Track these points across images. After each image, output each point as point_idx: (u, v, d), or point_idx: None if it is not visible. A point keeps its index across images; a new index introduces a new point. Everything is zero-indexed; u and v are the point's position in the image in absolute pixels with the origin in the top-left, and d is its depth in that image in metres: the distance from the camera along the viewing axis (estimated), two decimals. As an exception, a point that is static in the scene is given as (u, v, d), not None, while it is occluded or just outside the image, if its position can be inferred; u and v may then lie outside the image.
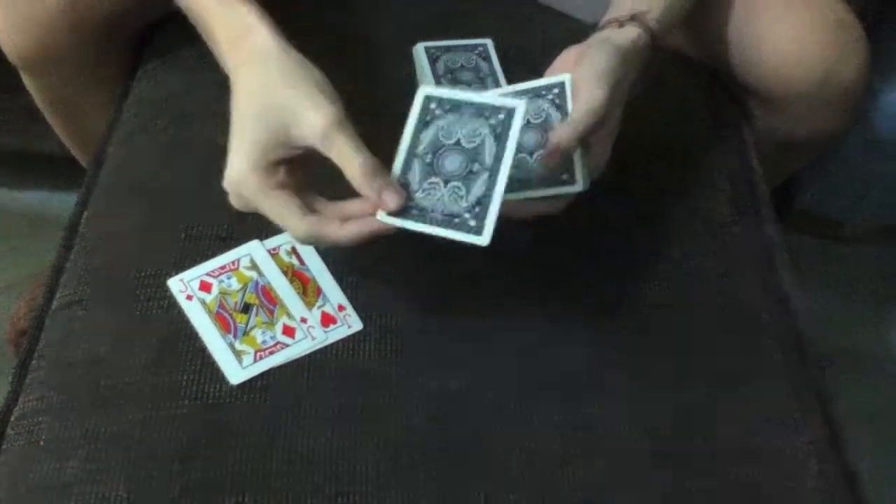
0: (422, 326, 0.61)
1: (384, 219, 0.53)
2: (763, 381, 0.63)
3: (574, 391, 0.60)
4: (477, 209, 0.52)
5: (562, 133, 0.56)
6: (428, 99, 0.56)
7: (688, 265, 0.68)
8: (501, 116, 0.54)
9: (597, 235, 0.68)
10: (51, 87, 0.82)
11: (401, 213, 0.53)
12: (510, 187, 0.53)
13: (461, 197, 0.53)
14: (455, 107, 0.56)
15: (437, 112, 0.56)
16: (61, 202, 1.26)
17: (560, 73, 0.61)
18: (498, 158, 0.53)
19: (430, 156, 0.55)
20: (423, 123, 0.56)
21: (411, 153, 0.55)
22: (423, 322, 0.61)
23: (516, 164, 0.54)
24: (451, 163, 0.54)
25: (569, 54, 0.63)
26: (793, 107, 0.77)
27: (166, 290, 0.62)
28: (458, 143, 0.55)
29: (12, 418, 0.59)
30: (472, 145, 0.54)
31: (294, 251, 0.64)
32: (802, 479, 0.59)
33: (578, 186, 0.58)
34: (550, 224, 0.67)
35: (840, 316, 1.28)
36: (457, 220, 0.52)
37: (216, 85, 0.75)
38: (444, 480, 0.55)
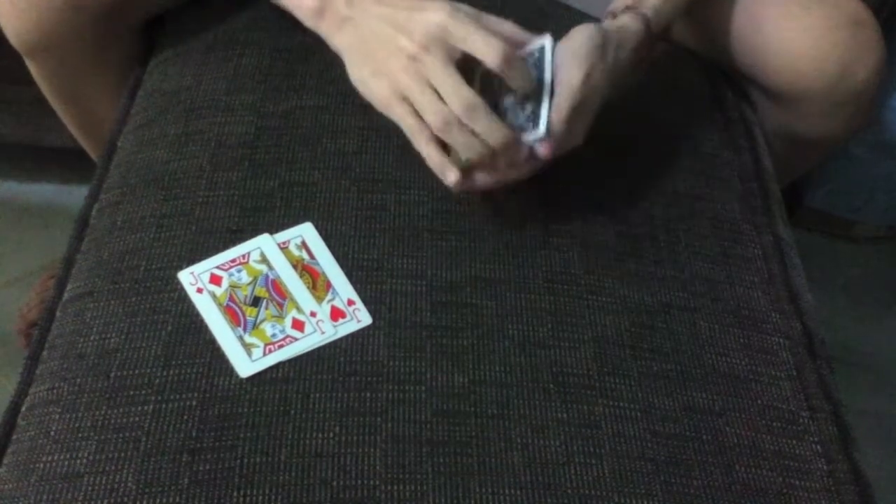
0: (430, 322, 0.61)
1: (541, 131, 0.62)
2: (772, 381, 0.63)
3: (579, 390, 0.60)
4: (531, 116, 0.62)
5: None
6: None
7: (697, 264, 0.68)
8: (537, 55, 0.63)
9: (603, 236, 0.68)
10: (55, 74, 0.82)
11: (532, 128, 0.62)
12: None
13: (520, 113, 0.62)
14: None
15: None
16: (72, 195, 1.27)
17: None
18: (541, 78, 0.62)
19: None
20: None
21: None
22: (431, 317, 0.62)
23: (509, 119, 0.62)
24: (509, 98, 0.63)
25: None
26: (805, 106, 0.77)
27: (176, 282, 0.62)
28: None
29: (23, 409, 0.60)
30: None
31: (304, 245, 0.64)
32: (811, 480, 0.59)
33: (540, 132, 0.61)
34: (558, 224, 0.67)
35: (848, 316, 1.28)
36: (522, 129, 0.62)
37: (226, 78, 0.75)
38: (450, 475, 0.55)
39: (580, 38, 0.63)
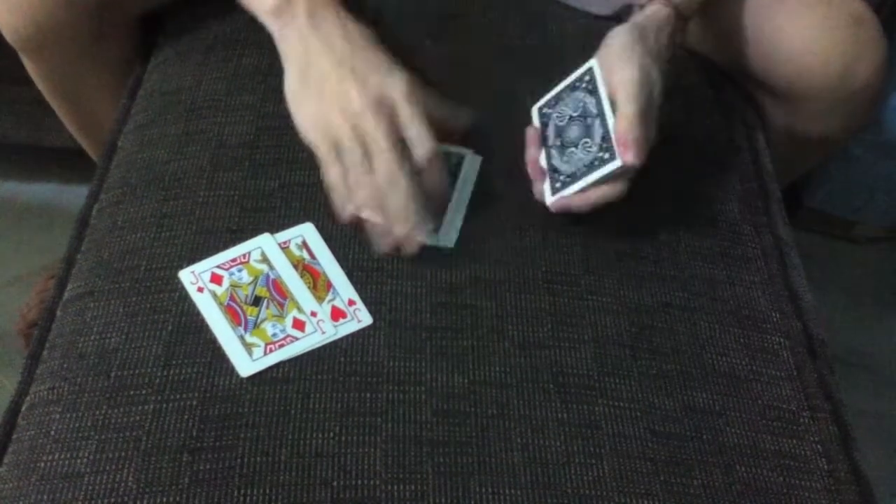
0: (430, 322, 0.61)
1: (553, 199, 0.65)
2: (772, 381, 0.63)
3: (579, 390, 0.60)
4: (604, 145, 0.62)
5: (620, 130, 0.61)
6: (539, 110, 0.70)
7: (697, 264, 0.68)
8: (587, 77, 0.66)
9: (604, 235, 0.68)
10: (51, 71, 0.82)
11: (559, 188, 0.64)
12: (566, 182, 0.64)
13: (590, 146, 0.63)
14: (556, 98, 0.68)
15: (547, 111, 0.69)
16: (72, 195, 1.27)
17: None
18: (599, 103, 0.64)
19: (558, 139, 0.66)
20: (544, 125, 0.68)
21: (546, 146, 0.67)
22: (431, 318, 0.62)
23: (566, 159, 0.65)
24: (573, 131, 0.65)
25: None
26: (808, 104, 0.77)
27: (177, 282, 0.62)
28: (570, 117, 0.66)
29: (23, 408, 0.60)
30: (578, 112, 0.65)
31: (305, 245, 0.64)
32: (811, 480, 0.59)
33: (619, 160, 0.61)
34: (557, 224, 0.67)
35: (848, 316, 1.28)
36: (595, 162, 0.62)
37: (226, 78, 0.75)
38: (450, 475, 0.55)
39: (620, 39, 0.64)
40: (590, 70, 0.66)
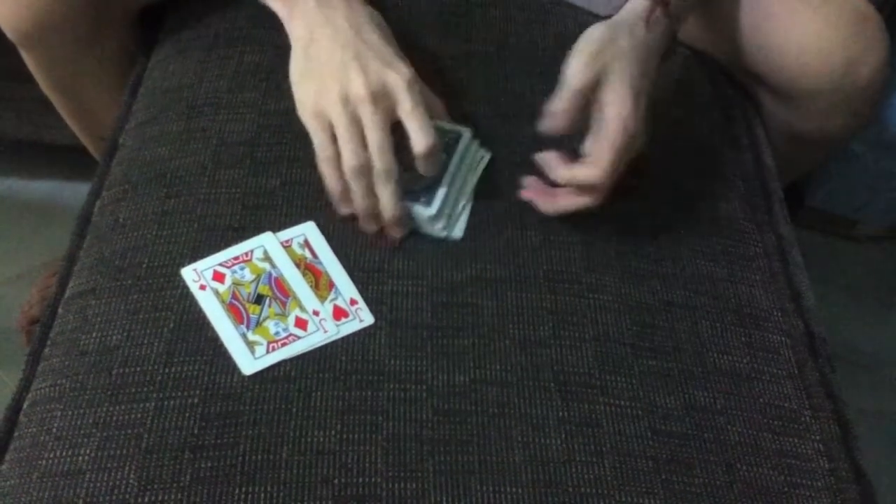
0: (431, 321, 0.61)
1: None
2: (773, 380, 0.63)
3: (580, 388, 0.60)
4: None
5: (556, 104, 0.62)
6: None
7: (698, 262, 0.68)
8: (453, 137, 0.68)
9: (605, 234, 0.68)
10: (51, 66, 0.82)
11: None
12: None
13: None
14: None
15: None
16: (73, 192, 1.27)
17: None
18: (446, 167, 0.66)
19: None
20: None
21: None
22: (432, 317, 0.62)
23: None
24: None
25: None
26: (809, 103, 0.76)
27: (179, 279, 0.62)
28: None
29: (25, 406, 0.60)
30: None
31: (307, 244, 0.64)
32: (812, 479, 0.59)
33: (432, 211, 0.64)
34: (558, 222, 0.67)
35: (849, 314, 1.28)
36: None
37: (228, 75, 0.75)
38: (451, 474, 0.55)
39: (584, 36, 0.64)
40: (459, 136, 0.68)
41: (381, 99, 0.61)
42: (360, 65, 0.61)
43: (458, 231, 0.66)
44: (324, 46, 0.63)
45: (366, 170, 0.61)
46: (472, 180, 0.68)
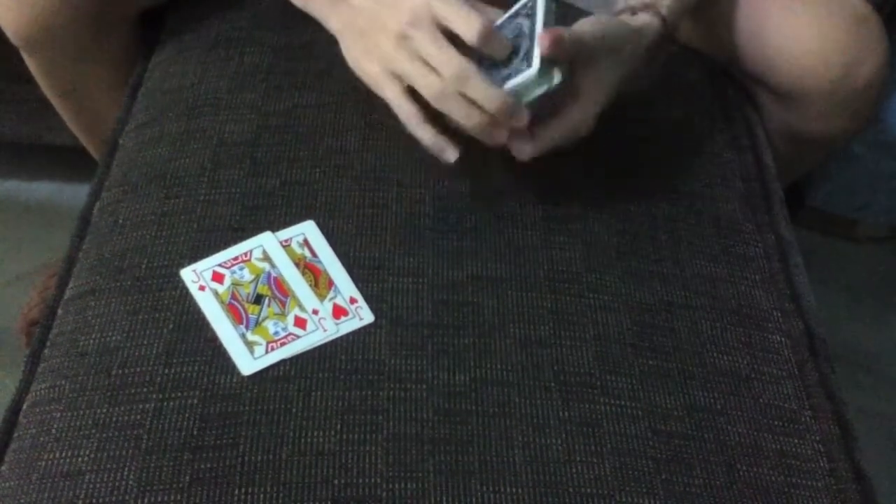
0: (431, 320, 0.61)
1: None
2: (773, 380, 0.63)
3: (580, 388, 0.60)
4: (524, 57, 0.61)
5: (550, 31, 0.60)
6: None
7: (699, 263, 0.68)
8: (529, 4, 0.63)
9: (605, 234, 0.68)
10: (52, 68, 0.82)
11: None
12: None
13: (511, 61, 0.62)
14: (500, 26, 0.64)
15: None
16: (73, 193, 1.27)
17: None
18: (533, 25, 0.62)
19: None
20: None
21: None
22: (432, 316, 0.62)
23: (490, 76, 0.61)
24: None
25: None
26: (809, 103, 0.77)
27: (178, 280, 0.62)
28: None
29: (24, 407, 0.60)
30: (513, 35, 0.63)
31: (306, 243, 0.64)
32: (812, 479, 0.59)
33: (534, 69, 0.60)
34: (559, 222, 0.67)
35: (849, 315, 1.28)
36: (512, 73, 0.61)
37: (228, 76, 0.75)
38: (451, 474, 0.55)
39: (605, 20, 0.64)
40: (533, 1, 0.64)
41: (420, 20, 0.60)
42: (391, 6, 0.62)
43: (557, 75, 0.61)
44: (362, 20, 0.64)
45: (447, 89, 0.60)
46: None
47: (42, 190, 1.29)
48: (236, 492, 0.53)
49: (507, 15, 0.66)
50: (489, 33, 0.60)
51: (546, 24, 0.61)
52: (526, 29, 0.62)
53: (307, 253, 0.64)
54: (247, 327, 0.60)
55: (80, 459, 0.55)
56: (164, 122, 0.74)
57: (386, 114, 0.65)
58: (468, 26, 0.60)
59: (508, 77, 0.61)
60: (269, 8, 0.79)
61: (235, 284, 0.62)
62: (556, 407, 0.58)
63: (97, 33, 0.78)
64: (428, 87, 0.61)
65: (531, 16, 0.63)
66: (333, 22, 0.69)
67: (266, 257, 0.63)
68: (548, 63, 0.60)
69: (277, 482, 0.54)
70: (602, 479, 0.56)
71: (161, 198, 0.68)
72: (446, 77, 0.60)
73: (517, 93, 0.61)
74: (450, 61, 0.60)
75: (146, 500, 0.53)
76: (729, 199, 0.74)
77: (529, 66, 0.60)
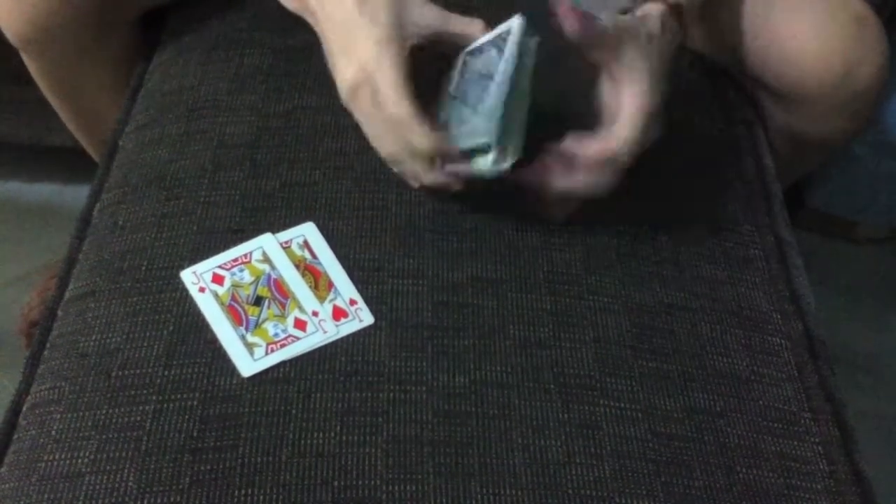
0: (431, 322, 0.61)
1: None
2: (773, 382, 0.63)
3: (580, 390, 0.60)
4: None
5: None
6: (464, 54, 0.62)
7: (698, 265, 0.68)
8: (504, 37, 0.58)
9: (605, 236, 0.68)
10: (52, 70, 0.82)
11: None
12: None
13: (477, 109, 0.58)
14: (481, 49, 0.60)
15: (467, 59, 0.61)
16: (73, 195, 1.27)
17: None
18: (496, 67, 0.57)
19: (458, 91, 0.61)
20: (460, 71, 0.62)
21: (449, 99, 0.61)
22: (432, 317, 0.62)
23: (458, 118, 0.59)
24: (472, 91, 0.59)
25: None
26: (809, 105, 0.77)
27: (178, 282, 0.62)
28: (478, 74, 0.59)
29: (24, 408, 0.60)
30: (485, 71, 0.58)
31: (306, 244, 0.64)
32: (812, 481, 0.59)
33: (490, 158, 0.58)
34: (559, 224, 0.67)
35: (849, 317, 1.28)
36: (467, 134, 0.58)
37: (228, 78, 0.75)
38: (451, 476, 0.55)
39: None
40: (509, 30, 0.58)
41: (362, 84, 0.59)
42: (344, 57, 0.61)
43: (516, 150, 0.58)
44: (341, 27, 0.62)
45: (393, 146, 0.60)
46: (525, 90, 0.58)
47: (42, 191, 1.29)
48: (236, 493, 0.53)
49: (486, 38, 0.61)
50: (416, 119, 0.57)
51: (521, 67, 0.57)
52: (496, 62, 0.58)
53: (307, 254, 0.64)
54: (247, 329, 0.60)
55: (79, 461, 0.55)
56: (164, 124, 0.74)
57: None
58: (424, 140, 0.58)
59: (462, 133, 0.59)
60: (270, 10, 0.79)
61: (235, 286, 0.62)
62: (555, 409, 0.58)
63: (97, 34, 0.78)
64: (378, 148, 0.61)
65: (501, 50, 0.58)
66: (319, 17, 0.65)
67: (266, 259, 0.63)
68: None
69: (277, 484, 0.54)
70: (602, 481, 0.56)
71: (161, 199, 0.68)
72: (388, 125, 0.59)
73: (459, 138, 0.59)
74: (421, 140, 0.58)
75: (146, 502, 0.53)
76: (729, 201, 0.74)
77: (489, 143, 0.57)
